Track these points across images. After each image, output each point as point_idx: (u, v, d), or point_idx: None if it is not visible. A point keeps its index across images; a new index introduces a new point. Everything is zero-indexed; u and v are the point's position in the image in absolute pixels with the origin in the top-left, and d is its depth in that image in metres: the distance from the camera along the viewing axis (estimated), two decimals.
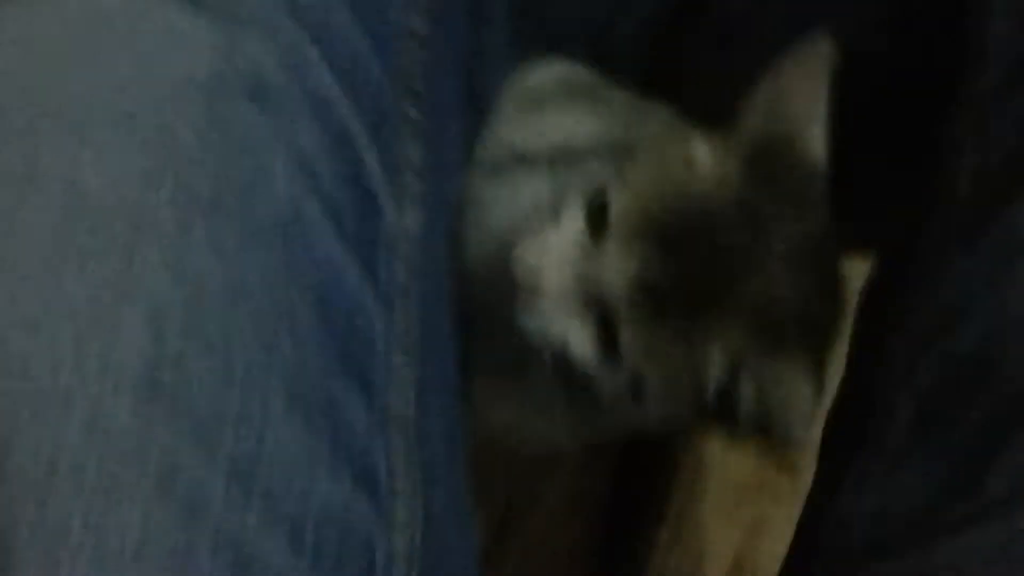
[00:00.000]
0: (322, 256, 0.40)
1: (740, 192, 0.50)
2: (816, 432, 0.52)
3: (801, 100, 0.51)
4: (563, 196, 0.53)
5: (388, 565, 0.40)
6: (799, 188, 0.51)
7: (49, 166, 0.37)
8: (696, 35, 0.63)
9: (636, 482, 0.85)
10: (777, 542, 0.85)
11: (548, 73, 0.62)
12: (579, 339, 0.51)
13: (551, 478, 0.82)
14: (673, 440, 0.84)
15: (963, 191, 0.47)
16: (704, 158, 0.52)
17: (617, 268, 0.50)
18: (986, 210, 0.46)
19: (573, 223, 0.51)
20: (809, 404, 0.50)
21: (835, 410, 0.53)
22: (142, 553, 0.34)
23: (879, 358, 0.49)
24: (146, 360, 0.35)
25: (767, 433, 0.51)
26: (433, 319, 0.45)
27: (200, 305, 0.37)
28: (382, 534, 0.40)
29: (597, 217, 0.51)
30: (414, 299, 0.43)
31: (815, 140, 0.51)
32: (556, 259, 0.51)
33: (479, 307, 0.54)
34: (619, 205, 0.51)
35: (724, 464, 0.86)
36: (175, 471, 0.35)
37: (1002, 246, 0.45)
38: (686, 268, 0.49)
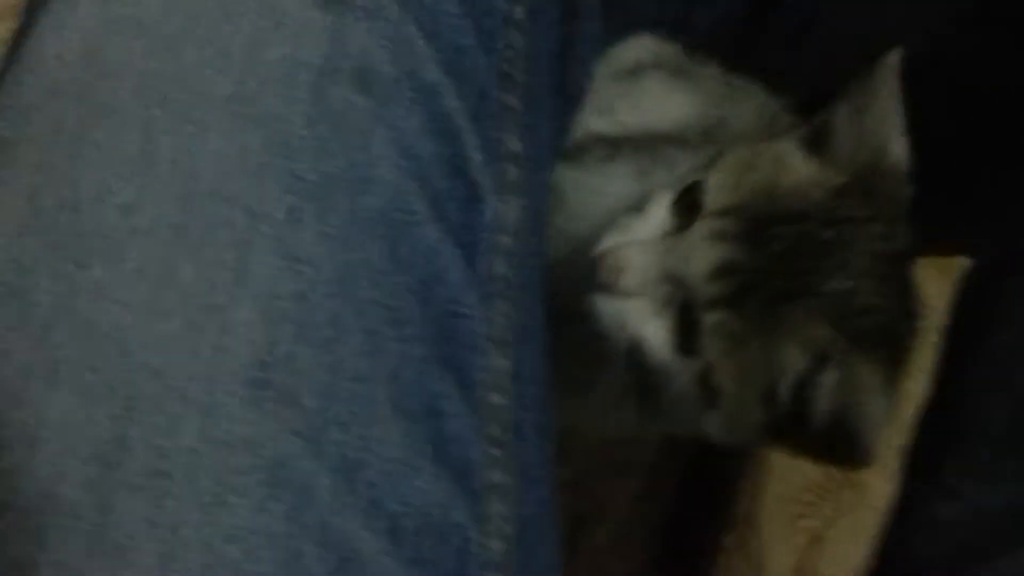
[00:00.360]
0: (426, 247, 0.39)
1: (831, 197, 0.50)
2: (883, 448, 0.51)
3: (881, 115, 0.51)
4: (649, 190, 0.53)
5: (482, 571, 0.39)
6: (889, 202, 0.51)
7: (165, 153, 0.37)
8: (768, 33, 0.63)
9: (702, 489, 0.85)
10: (838, 552, 0.86)
11: (643, 48, 0.62)
12: (656, 331, 0.52)
13: (617, 488, 0.83)
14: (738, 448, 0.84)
15: None
16: (796, 160, 0.52)
17: (702, 255, 0.50)
18: None
19: (658, 215, 0.52)
20: (884, 415, 0.49)
21: (926, 416, 0.53)
22: (252, 550, 0.34)
23: (973, 362, 0.49)
24: (258, 351, 0.35)
25: (834, 442, 0.50)
26: (528, 311, 0.44)
27: (310, 297, 0.37)
28: (478, 538, 0.39)
29: (683, 210, 0.52)
30: (512, 291, 0.42)
31: (900, 154, 0.51)
32: (639, 251, 0.51)
33: (556, 299, 0.53)
34: (708, 196, 0.51)
35: (788, 473, 0.86)
36: (285, 467, 0.35)
37: None
38: (770, 260, 0.49)
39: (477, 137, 0.42)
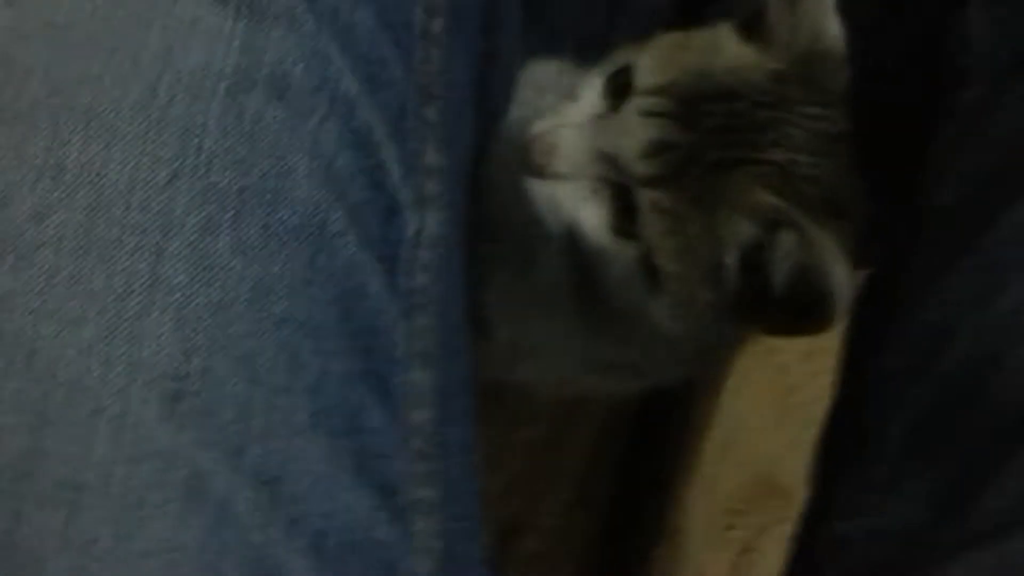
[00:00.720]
0: (344, 262, 0.39)
1: (767, 79, 0.50)
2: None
3: (816, 1, 0.51)
4: (584, 78, 0.53)
5: None
6: (826, 87, 0.51)
7: (75, 160, 0.36)
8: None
9: (633, 499, 0.85)
10: (769, 562, 0.87)
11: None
12: (592, 213, 0.51)
13: (548, 497, 0.83)
14: (668, 453, 0.85)
15: (949, 210, 0.48)
16: (731, 44, 0.52)
17: (634, 134, 0.49)
18: (971, 229, 0.46)
19: (590, 98, 0.52)
20: (847, 279, 0.47)
21: (827, 431, 0.53)
22: (169, 566, 0.34)
23: (870, 379, 0.49)
24: (173, 362, 0.35)
25: (801, 307, 0.48)
26: (452, 325, 0.44)
27: (227, 308, 0.36)
28: (405, 555, 0.39)
29: (615, 92, 0.51)
30: (434, 305, 0.42)
31: (835, 39, 0.51)
32: (570, 132, 0.51)
33: (493, 204, 0.54)
34: (640, 75, 0.50)
35: (716, 484, 0.87)
36: (202, 482, 0.34)
37: (986, 266, 0.45)
38: (704, 136, 0.49)
39: (396, 150, 0.42)
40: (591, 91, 0.52)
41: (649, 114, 0.49)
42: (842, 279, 0.47)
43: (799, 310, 0.48)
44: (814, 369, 0.90)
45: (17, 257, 0.35)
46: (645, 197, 0.49)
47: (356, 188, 0.40)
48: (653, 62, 0.51)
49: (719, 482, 0.86)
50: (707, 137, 0.49)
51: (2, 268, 0.35)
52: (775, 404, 0.86)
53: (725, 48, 0.52)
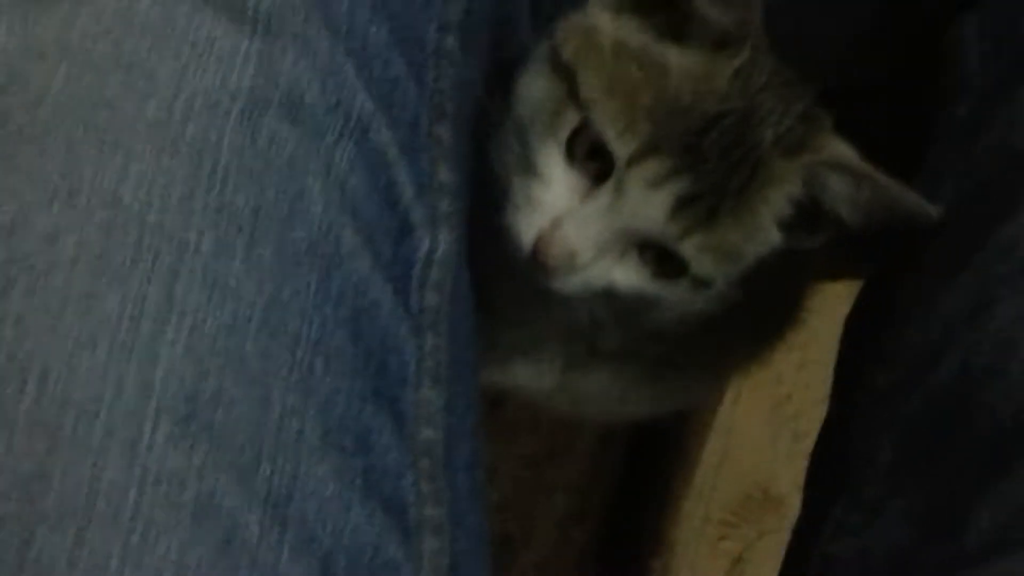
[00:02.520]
0: (357, 281, 0.39)
1: (731, 83, 0.49)
2: None
3: None
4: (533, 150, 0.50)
5: None
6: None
7: (89, 181, 0.36)
8: None
9: (630, 512, 0.85)
10: (760, 574, 0.87)
11: None
12: (628, 274, 0.50)
13: (544, 511, 0.83)
14: (665, 464, 0.85)
15: (941, 225, 0.47)
16: (672, 59, 0.49)
17: (651, 204, 0.48)
18: (962, 245, 0.46)
19: (559, 176, 0.49)
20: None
21: (818, 448, 0.53)
22: None
23: (861, 397, 0.49)
24: (184, 385, 0.35)
25: (879, 221, 0.48)
26: (461, 343, 0.44)
27: (239, 331, 0.36)
28: (411, 573, 0.39)
29: (584, 158, 0.49)
30: (444, 324, 0.42)
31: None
32: (577, 226, 0.48)
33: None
34: (613, 142, 0.48)
35: (709, 496, 0.87)
36: (212, 503, 0.34)
37: (976, 283, 0.45)
38: (717, 166, 0.48)
39: (408, 169, 0.42)
40: (555, 167, 0.49)
41: (657, 181, 0.47)
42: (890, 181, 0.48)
43: (881, 225, 0.48)
44: (807, 380, 0.90)
45: (30, 279, 0.35)
46: (687, 246, 0.48)
47: (369, 208, 0.40)
48: (613, 118, 0.48)
49: (712, 494, 0.86)
50: (719, 167, 0.48)
51: (15, 290, 0.35)
52: (769, 415, 0.87)
53: (668, 67, 0.49)
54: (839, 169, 0.48)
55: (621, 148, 0.47)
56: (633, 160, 0.47)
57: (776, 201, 0.49)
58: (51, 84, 0.37)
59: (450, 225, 0.43)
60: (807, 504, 0.52)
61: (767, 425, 0.89)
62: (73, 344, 0.35)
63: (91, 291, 0.35)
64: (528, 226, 0.49)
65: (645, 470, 0.83)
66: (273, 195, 0.38)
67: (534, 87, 0.50)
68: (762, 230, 0.50)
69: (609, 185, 0.48)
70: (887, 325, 0.50)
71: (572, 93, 0.48)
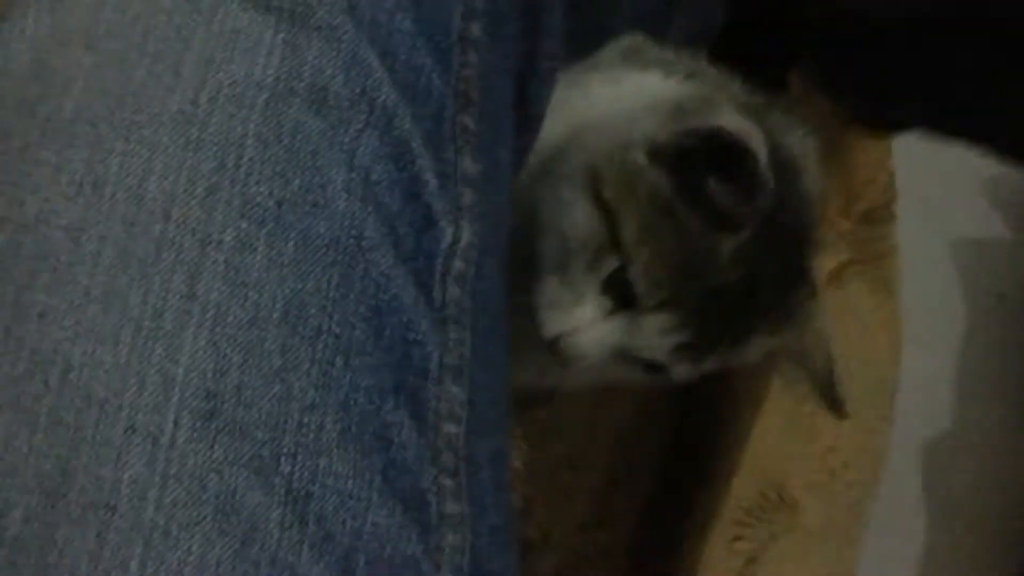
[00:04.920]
0: (379, 275, 0.39)
1: (736, 254, 0.56)
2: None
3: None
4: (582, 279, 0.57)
5: None
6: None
7: (112, 173, 0.36)
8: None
9: (655, 516, 0.86)
10: (773, 574, 0.87)
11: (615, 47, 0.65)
12: (626, 368, 0.58)
13: (564, 514, 0.83)
14: (689, 468, 0.86)
15: None
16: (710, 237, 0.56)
17: (657, 344, 0.56)
18: None
19: (592, 300, 0.57)
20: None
21: None
22: None
23: None
24: (206, 381, 0.35)
25: None
26: (486, 337, 0.44)
27: (260, 326, 0.36)
28: (431, 568, 0.39)
29: (614, 289, 0.56)
30: (468, 318, 0.42)
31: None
32: (591, 337, 0.56)
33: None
34: (641, 288, 0.55)
35: (724, 497, 0.87)
36: (233, 501, 0.34)
37: None
38: (716, 324, 0.56)
39: (432, 160, 0.41)
40: (590, 292, 0.56)
41: (667, 330, 0.55)
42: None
43: None
44: None
45: (53, 274, 0.35)
46: (677, 369, 0.57)
47: (392, 199, 0.40)
48: (644, 271, 0.55)
49: (728, 493, 0.86)
50: (719, 328, 0.56)
51: (38, 285, 0.35)
52: (784, 415, 0.87)
53: (689, 227, 0.55)
54: (818, 347, 0.59)
55: (646, 299, 0.55)
56: (652, 309, 0.55)
57: (759, 352, 0.59)
58: (77, 75, 0.37)
59: (473, 216, 0.43)
60: None
61: (782, 426, 0.89)
62: (95, 339, 0.35)
63: (113, 285, 0.35)
64: (553, 324, 0.57)
65: (668, 474, 0.84)
66: (297, 188, 0.37)
67: (577, 217, 0.57)
68: (741, 359, 0.59)
69: (627, 316, 0.56)
70: None
71: (613, 237, 0.55)
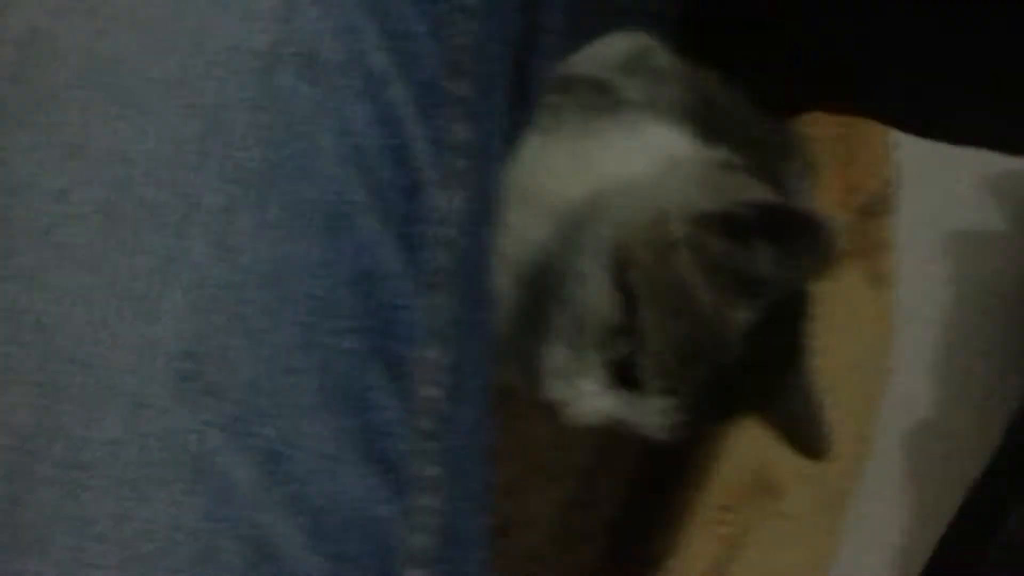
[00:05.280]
0: (365, 239, 0.39)
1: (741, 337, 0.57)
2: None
3: None
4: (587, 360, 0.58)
5: (405, 566, 0.39)
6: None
7: (102, 138, 0.36)
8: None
9: (636, 500, 0.86)
10: (754, 559, 0.87)
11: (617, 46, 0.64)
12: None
13: (547, 494, 0.83)
14: (671, 451, 0.86)
15: None
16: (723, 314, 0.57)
17: (657, 422, 0.58)
18: None
19: (599, 378, 0.58)
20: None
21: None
22: (168, 545, 0.34)
23: None
24: (187, 341, 0.35)
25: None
26: (472, 305, 0.44)
27: (243, 288, 0.36)
28: (402, 532, 0.39)
29: (620, 370, 0.57)
30: (454, 283, 0.42)
31: None
32: (593, 406, 0.58)
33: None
34: (648, 376, 0.57)
35: (706, 481, 0.87)
36: (207, 461, 0.34)
37: None
38: (708, 411, 0.58)
39: (422, 127, 0.41)
40: (599, 369, 0.58)
41: (665, 415, 0.57)
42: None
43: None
44: None
45: (38, 235, 0.35)
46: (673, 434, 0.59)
47: (382, 165, 0.40)
48: (654, 360, 0.56)
49: (709, 479, 0.87)
50: (715, 411, 0.59)
51: (23, 246, 0.35)
52: None
53: (704, 309, 0.57)
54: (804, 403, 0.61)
55: (652, 384, 0.56)
56: (655, 393, 0.56)
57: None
58: (70, 42, 0.37)
59: (463, 183, 0.43)
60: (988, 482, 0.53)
61: None
62: (76, 299, 0.35)
63: (97, 247, 0.35)
64: (558, 390, 0.58)
65: (651, 457, 0.84)
66: (287, 153, 0.37)
67: (594, 296, 0.57)
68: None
69: (630, 395, 0.57)
70: None
71: (629, 320, 0.56)
